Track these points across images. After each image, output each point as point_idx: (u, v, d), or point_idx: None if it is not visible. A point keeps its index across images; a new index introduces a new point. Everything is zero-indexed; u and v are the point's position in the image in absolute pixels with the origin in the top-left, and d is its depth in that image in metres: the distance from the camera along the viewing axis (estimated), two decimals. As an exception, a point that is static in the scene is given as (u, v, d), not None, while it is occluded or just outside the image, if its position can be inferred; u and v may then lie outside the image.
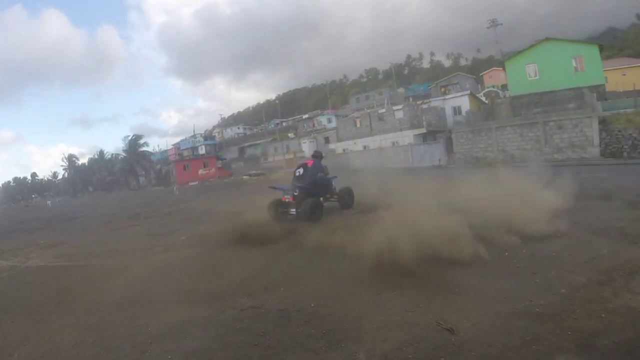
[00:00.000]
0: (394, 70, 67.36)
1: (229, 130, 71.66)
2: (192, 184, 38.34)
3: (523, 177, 6.77)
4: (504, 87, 35.97)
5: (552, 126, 20.31)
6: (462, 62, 75.60)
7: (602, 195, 7.21)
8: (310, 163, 7.67)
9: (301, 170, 7.60)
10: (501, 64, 31.02)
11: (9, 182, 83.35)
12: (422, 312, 2.91)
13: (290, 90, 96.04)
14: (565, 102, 22.51)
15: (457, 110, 30.35)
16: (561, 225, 4.90)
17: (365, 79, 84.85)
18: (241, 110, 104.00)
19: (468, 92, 33.20)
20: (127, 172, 50.04)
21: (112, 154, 57.67)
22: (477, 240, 4.21)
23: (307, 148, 41.63)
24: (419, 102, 35.21)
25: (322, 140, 40.47)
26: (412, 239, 4.08)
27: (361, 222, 6.37)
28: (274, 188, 8.16)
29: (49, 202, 44.03)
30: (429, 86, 50.33)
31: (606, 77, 26.11)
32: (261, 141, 53.00)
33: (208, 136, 69.96)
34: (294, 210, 7.28)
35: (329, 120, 49.77)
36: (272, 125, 64.74)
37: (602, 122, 19.07)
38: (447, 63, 78.19)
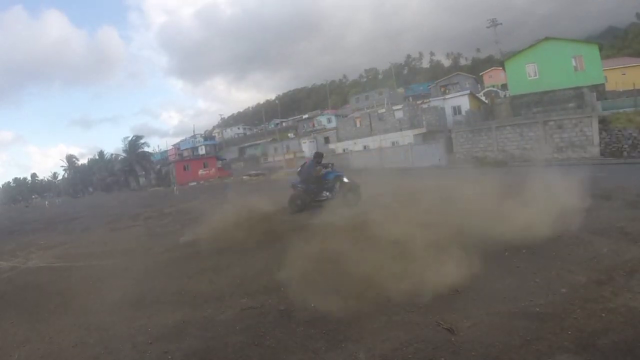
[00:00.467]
0: (394, 70, 67.36)
1: (229, 130, 71.63)
2: (192, 184, 38.35)
3: (520, 177, 6.76)
4: (504, 86, 35.96)
5: (552, 126, 20.31)
6: (462, 62, 75.60)
7: (602, 194, 7.21)
8: (307, 162, 9.12)
9: (299, 169, 9.24)
10: (501, 63, 30.97)
11: (9, 182, 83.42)
12: (422, 311, 2.91)
13: (290, 90, 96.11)
14: (565, 101, 22.51)
15: (457, 110, 30.34)
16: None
17: (365, 79, 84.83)
18: (241, 110, 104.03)
19: (468, 91, 33.18)
20: (127, 172, 50.03)
21: (112, 155, 57.69)
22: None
23: (307, 148, 41.62)
24: (418, 102, 35.22)
25: (322, 140, 40.46)
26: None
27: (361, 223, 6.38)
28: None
29: (47, 202, 44.04)
30: (429, 86, 50.33)
31: (606, 77, 26.11)
32: (261, 141, 52.98)
33: (208, 136, 69.96)
34: (299, 200, 8.87)
35: (329, 120, 49.74)
36: (272, 126, 64.74)
37: (602, 121, 19.06)
38: (447, 63, 78.22)
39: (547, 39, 25.51)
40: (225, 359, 2.56)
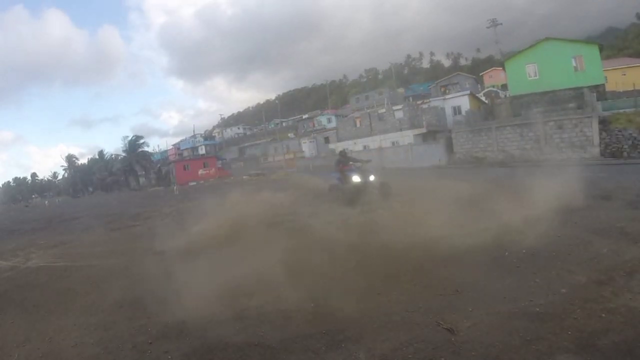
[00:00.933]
0: (394, 70, 67.34)
1: (229, 130, 71.61)
2: (191, 184, 38.34)
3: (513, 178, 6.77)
4: (504, 87, 35.96)
5: (552, 126, 20.32)
6: (462, 62, 75.54)
7: (602, 195, 7.21)
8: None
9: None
10: (501, 63, 31.02)
11: (9, 182, 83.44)
12: (422, 312, 2.91)
13: (290, 90, 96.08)
14: (565, 102, 22.50)
15: (457, 110, 30.33)
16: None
17: (365, 79, 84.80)
18: (241, 110, 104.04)
19: (468, 92, 33.18)
20: (127, 172, 50.01)
21: (112, 155, 57.68)
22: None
23: (307, 148, 41.63)
24: (418, 102, 35.21)
25: (322, 140, 40.46)
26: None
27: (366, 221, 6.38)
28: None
29: (47, 202, 44.07)
30: (429, 86, 50.31)
31: (606, 77, 26.11)
32: (261, 141, 52.96)
33: (208, 136, 69.96)
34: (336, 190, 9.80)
35: (329, 120, 49.72)
36: (272, 125, 64.73)
37: (602, 122, 19.07)
38: (447, 63, 78.16)
39: (547, 39, 25.52)
40: (225, 359, 2.56)
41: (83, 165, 63.91)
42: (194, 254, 5.74)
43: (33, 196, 71.76)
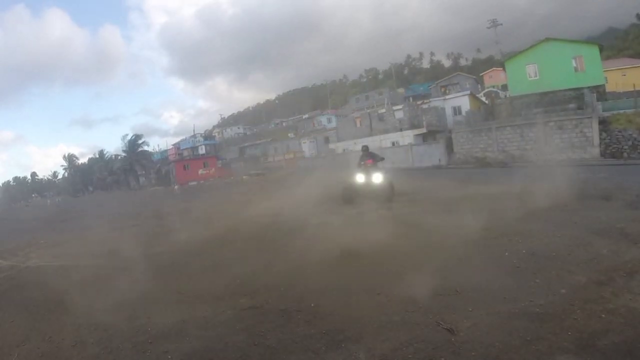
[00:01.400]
0: (394, 70, 67.31)
1: (229, 130, 71.57)
2: (191, 183, 38.33)
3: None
4: (504, 87, 35.95)
5: (552, 126, 20.31)
6: (462, 62, 75.57)
7: (602, 195, 7.21)
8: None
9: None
10: (501, 64, 31.02)
11: (9, 181, 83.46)
12: (422, 311, 2.90)
13: (290, 90, 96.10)
14: (566, 102, 22.49)
15: (457, 111, 30.33)
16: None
17: (365, 79, 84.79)
18: (241, 110, 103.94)
19: (468, 92, 33.17)
20: (127, 171, 49.99)
21: (112, 154, 57.66)
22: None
23: (307, 148, 41.61)
24: (419, 102, 35.19)
25: (322, 140, 40.44)
26: None
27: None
28: None
29: (48, 201, 44.13)
30: (429, 86, 50.30)
31: (606, 78, 26.10)
32: (261, 141, 52.93)
33: (208, 136, 69.92)
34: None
35: (329, 120, 49.69)
36: (272, 125, 64.71)
37: (602, 122, 19.06)
38: (447, 63, 78.17)
39: (547, 39, 25.51)
40: (225, 358, 2.56)
41: (83, 164, 63.89)
42: (194, 253, 5.76)
43: (33, 195, 71.78)
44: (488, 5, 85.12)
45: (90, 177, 59.33)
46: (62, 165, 65.36)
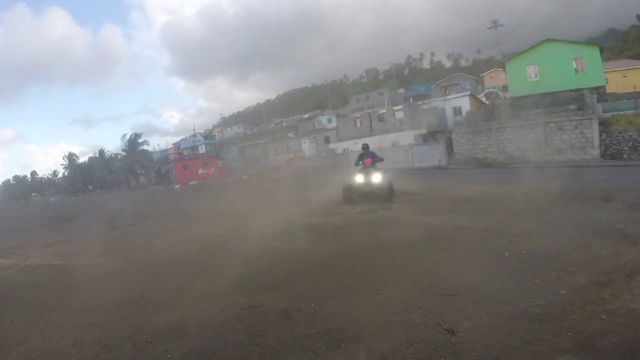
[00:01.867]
0: (394, 70, 67.32)
1: (229, 129, 71.59)
2: (192, 183, 38.31)
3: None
4: (505, 88, 35.94)
5: (552, 127, 20.32)
6: (463, 62, 75.60)
7: (602, 196, 7.21)
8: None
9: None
10: (502, 64, 31.01)
11: (9, 180, 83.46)
12: (422, 312, 2.90)
13: (290, 90, 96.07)
14: (566, 103, 22.50)
15: (457, 111, 30.33)
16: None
17: (365, 79, 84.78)
18: (241, 109, 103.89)
19: (468, 92, 33.18)
20: (127, 171, 49.97)
21: (112, 153, 57.59)
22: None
23: (307, 148, 41.61)
24: (419, 103, 35.18)
25: (322, 140, 40.44)
26: None
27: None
28: None
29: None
30: (430, 87, 50.31)
31: (606, 79, 26.09)
32: (261, 141, 52.91)
33: (208, 135, 69.95)
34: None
35: (329, 120, 49.67)
36: (273, 125, 64.70)
37: (603, 123, 19.07)
38: (447, 63, 78.17)
39: (547, 40, 25.50)
40: (224, 358, 2.56)
41: (83, 163, 63.85)
42: (194, 253, 5.76)
43: (33, 194, 71.76)
44: (488, 5, 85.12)
45: (90, 176, 59.29)
46: (62, 164, 65.34)
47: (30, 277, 5.41)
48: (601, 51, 24.91)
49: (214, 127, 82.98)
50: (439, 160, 24.68)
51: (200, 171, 43.24)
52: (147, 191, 37.01)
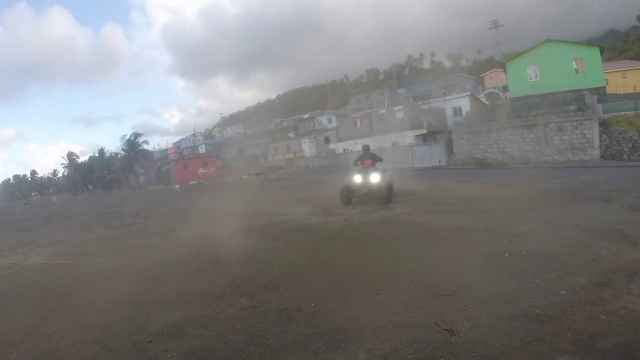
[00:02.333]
0: (395, 70, 67.31)
1: (229, 129, 71.62)
2: (192, 182, 38.33)
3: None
4: (505, 88, 35.98)
5: (552, 128, 20.33)
6: (463, 63, 75.53)
7: (602, 197, 7.22)
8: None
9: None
10: (502, 65, 31.00)
11: (9, 179, 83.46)
12: (422, 312, 2.91)
13: (290, 90, 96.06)
14: (566, 104, 22.52)
15: (457, 111, 30.35)
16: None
17: (365, 79, 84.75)
18: (242, 109, 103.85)
19: (469, 93, 33.21)
20: (127, 170, 49.98)
21: (113, 153, 57.57)
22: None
23: (307, 148, 41.62)
24: (419, 103, 35.22)
25: (322, 140, 40.46)
26: None
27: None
28: None
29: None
30: (430, 87, 50.31)
31: (607, 79, 26.11)
32: (261, 141, 52.92)
33: (208, 135, 69.99)
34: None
35: (329, 120, 49.70)
36: (273, 125, 64.71)
37: (603, 124, 19.08)
38: (447, 64, 78.11)
39: (548, 41, 25.52)
40: (224, 358, 2.56)
41: (83, 163, 63.82)
42: (194, 252, 5.75)
43: (33, 194, 71.74)
44: (489, 6, 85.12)
45: (90, 176, 59.26)
46: (62, 164, 65.33)
47: (30, 277, 5.41)
48: (601, 52, 24.92)
49: (214, 126, 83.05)
50: (439, 161, 24.68)
51: (200, 171, 43.27)
52: (147, 191, 37.01)
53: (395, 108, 33.39)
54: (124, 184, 50.14)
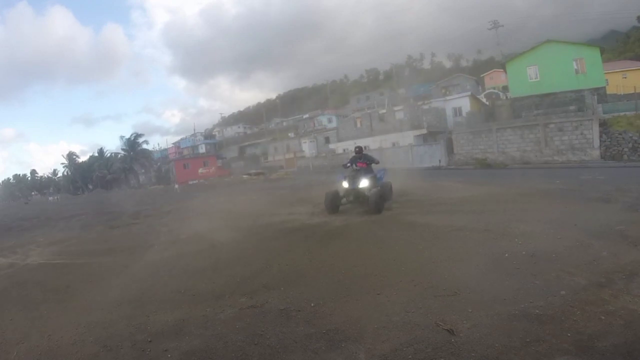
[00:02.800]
0: (395, 70, 67.30)
1: (229, 129, 71.65)
2: (191, 182, 38.36)
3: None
4: (505, 88, 35.97)
5: (552, 128, 20.34)
6: (463, 63, 75.48)
7: (602, 197, 7.22)
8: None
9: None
10: (502, 65, 31.03)
11: (8, 179, 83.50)
12: (422, 312, 2.91)
13: (291, 90, 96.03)
14: (566, 104, 22.53)
15: (457, 112, 30.37)
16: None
17: (365, 79, 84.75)
18: (242, 109, 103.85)
19: (469, 93, 33.22)
20: (127, 170, 50.01)
21: (112, 153, 57.58)
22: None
23: (307, 148, 41.65)
24: (419, 103, 35.22)
25: (322, 140, 40.47)
26: None
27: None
28: None
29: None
30: (430, 87, 50.31)
31: (607, 80, 26.13)
32: (261, 140, 52.97)
33: (208, 135, 70.03)
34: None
35: (330, 120, 49.76)
36: (273, 125, 64.76)
37: (603, 124, 19.10)
38: (447, 64, 78.07)
39: (548, 41, 25.54)
40: (224, 358, 2.56)
41: (83, 163, 63.83)
42: (194, 252, 5.76)
43: (32, 193, 71.74)
44: (489, 6, 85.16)
45: (90, 176, 59.25)
46: (62, 163, 65.34)
47: (30, 276, 5.41)
48: (602, 52, 24.95)
49: (214, 126, 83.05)
50: (439, 161, 24.69)
51: (200, 171, 43.31)
52: (147, 190, 37.01)
53: (396, 108, 33.42)
54: (124, 184, 50.14)
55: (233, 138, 65.12)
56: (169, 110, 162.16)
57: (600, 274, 3.34)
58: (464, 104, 30.30)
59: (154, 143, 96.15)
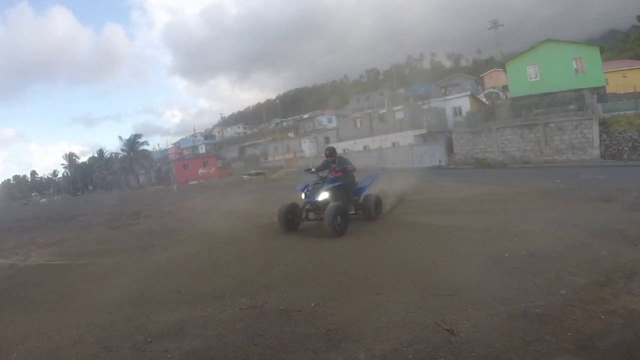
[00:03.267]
0: (395, 70, 67.31)
1: (229, 129, 71.66)
2: (191, 182, 38.38)
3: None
4: (505, 88, 35.98)
5: (552, 128, 20.35)
6: (463, 63, 75.55)
7: (602, 197, 7.22)
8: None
9: None
10: (502, 65, 31.04)
11: (8, 180, 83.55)
12: (422, 312, 2.90)
13: (291, 90, 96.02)
14: (566, 103, 22.54)
15: (457, 111, 30.37)
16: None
17: (365, 79, 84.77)
18: (242, 109, 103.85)
19: (468, 93, 33.24)
20: (127, 170, 50.04)
21: (112, 153, 57.62)
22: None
23: (307, 148, 41.64)
24: (419, 103, 35.23)
25: (322, 140, 40.46)
26: None
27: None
28: None
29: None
30: (430, 87, 50.30)
31: (607, 79, 26.12)
32: (261, 141, 52.97)
33: (208, 135, 70.04)
34: None
35: (330, 120, 49.77)
36: (273, 125, 64.77)
37: (603, 123, 19.10)
38: (447, 64, 78.09)
39: (548, 40, 25.54)
40: (224, 358, 2.56)
41: (83, 163, 63.87)
42: (194, 252, 5.76)
43: (32, 194, 71.77)
44: (489, 6, 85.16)
45: (90, 176, 59.28)
46: (62, 164, 65.40)
47: (30, 277, 5.41)
48: (601, 51, 24.94)
49: (214, 126, 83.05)
50: (439, 161, 24.69)
51: (200, 171, 43.33)
52: (147, 191, 37.01)
53: (395, 108, 33.43)
54: (123, 185, 50.16)
55: (233, 138, 65.14)
56: (169, 110, 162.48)
57: (601, 273, 3.34)
58: (464, 103, 30.31)
59: (154, 143, 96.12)
